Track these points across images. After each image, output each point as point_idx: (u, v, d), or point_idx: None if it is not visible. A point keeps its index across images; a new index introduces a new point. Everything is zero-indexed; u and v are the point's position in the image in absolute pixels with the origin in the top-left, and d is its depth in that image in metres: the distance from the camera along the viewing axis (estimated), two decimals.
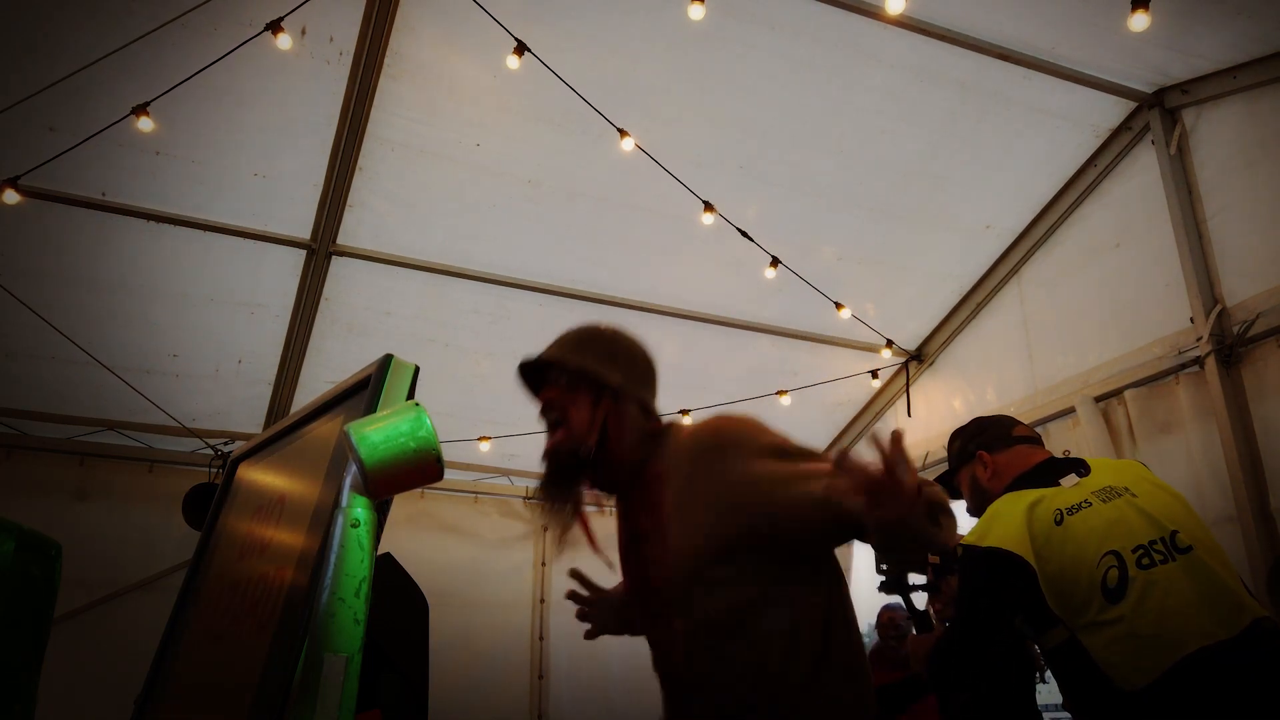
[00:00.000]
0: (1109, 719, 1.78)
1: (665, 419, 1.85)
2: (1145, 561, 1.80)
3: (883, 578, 2.52)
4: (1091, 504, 1.89)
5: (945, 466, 4.59)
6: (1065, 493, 1.94)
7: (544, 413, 1.81)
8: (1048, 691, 3.30)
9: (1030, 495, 1.94)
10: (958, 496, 2.41)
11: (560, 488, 1.75)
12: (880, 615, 4.73)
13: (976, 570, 1.91)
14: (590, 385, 1.75)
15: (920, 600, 2.47)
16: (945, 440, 4.50)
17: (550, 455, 1.76)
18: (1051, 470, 2.07)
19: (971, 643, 1.92)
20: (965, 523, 2.32)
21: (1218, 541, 1.93)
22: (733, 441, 1.59)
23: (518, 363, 1.94)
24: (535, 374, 1.87)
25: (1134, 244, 3.67)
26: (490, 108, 3.41)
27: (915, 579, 2.51)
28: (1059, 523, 1.86)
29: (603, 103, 3.25)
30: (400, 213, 3.75)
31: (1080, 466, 2.03)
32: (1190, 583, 1.78)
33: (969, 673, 1.96)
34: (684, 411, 4.73)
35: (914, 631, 2.42)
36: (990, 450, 2.21)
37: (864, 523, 1.38)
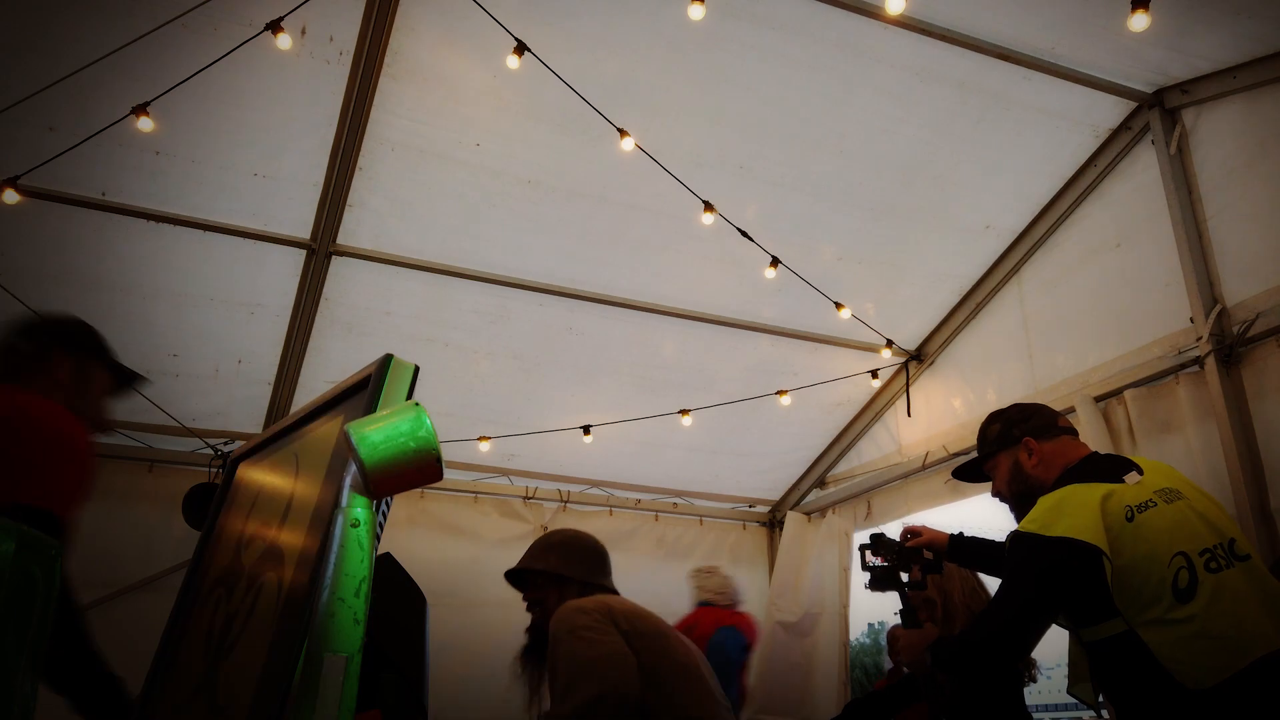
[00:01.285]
0: (1168, 715, 1.81)
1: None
2: (1212, 565, 1.84)
3: (869, 574, 2.52)
4: (1156, 504, 1.93)
5: (945, 465, 4.63)
6: (1131, 489, 1.97)
7: (530, 608, 2.63)
8: (1043, 691, 3.30)
9: (1101, 488, 1.95)
10: (979, 479, 2.41)
11: (537, 655, 2.57)
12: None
13: (1040, 558, 1.92)
14: (556, 581, 2.55)
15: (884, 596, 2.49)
16: (945, 441, 4.54)
17: (532, 629, 2.60)
18: (1100, 465, 2.10)
19: (1024, 630, 1.94)
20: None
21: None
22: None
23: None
24: (518, 577, 2.69)
25: (1134, 244, 3.67)
26: (490, 108, 3.41)
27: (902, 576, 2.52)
28: (1130, 519, 1.89)
29: (603, 103, 3.25)
30: (400, 213, 3.75)
31: (1135, 466, 2.06)
32: (1252, 589, 1.84)
33: (1014, 662, 1.98)
34: (684, 411, 4.73)
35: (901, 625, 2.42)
36: (1037, 437, 2.22)
37: None
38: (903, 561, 2.50)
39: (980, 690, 2.73)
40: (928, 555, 2.51)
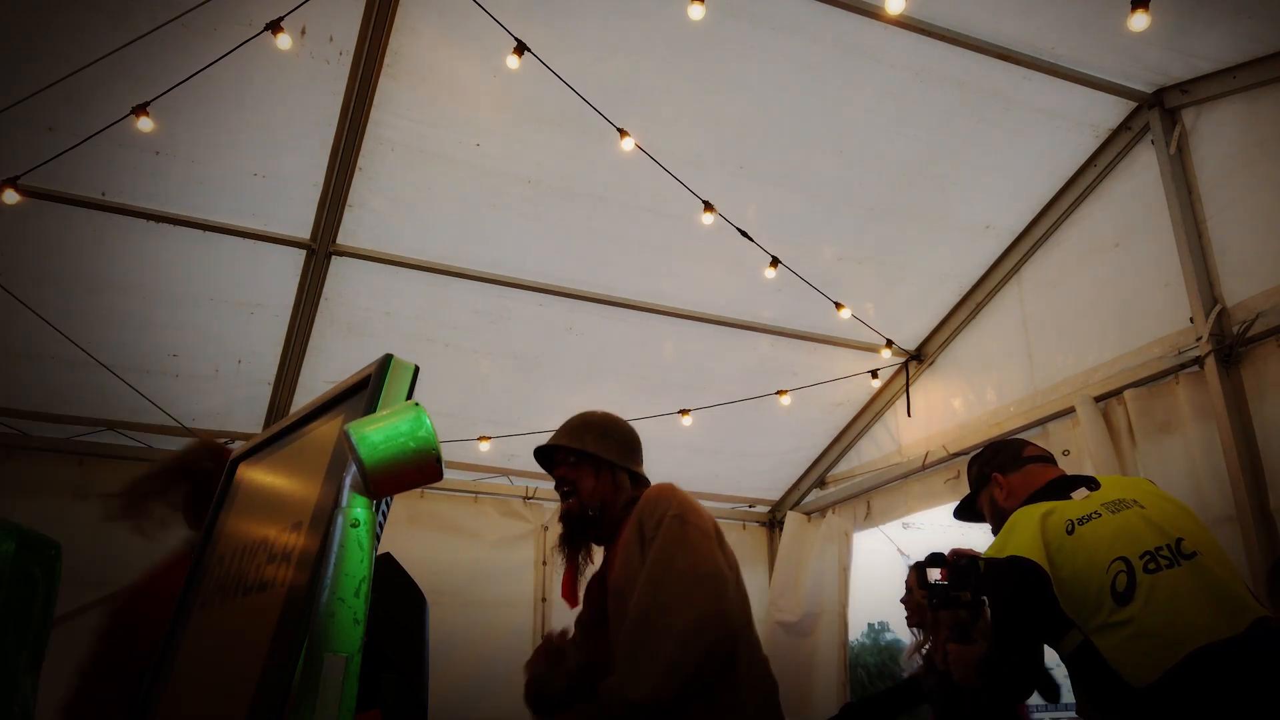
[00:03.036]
0: (1120, 715, 1.87)
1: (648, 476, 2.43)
2: (1151, 566, 1.90)
3: (929, 592, 2.52)
4: (1101, 515, 2.01)
5: (945, 465, 4.63)
6: (1076, 504, 2.06)
7: (558, 486, 2.38)
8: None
9: (1043, 507, 2.06)
10: (981, 519, 2.48)
11: (574, 542, 2.35)
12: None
13: (1002, 579, 2.03)
14: (592, 462, 2.34)
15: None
16: (945, 441, 4.55)
17: (565, 517, 2.36)
18: (1063, 486, 2.18)
19: (1019, 647, 2.01)
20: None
21: (1222, 547, 2.03)
22: (670, 529, 2.10)
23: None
24: (547, 455, 2.45)
25: (1134, 244, 3.67)
26: (490, 108, 3.41)
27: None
28: (1070, 532, 1.98)
29: (603, 103, 3.25)
30: (400, 213, 3.75)
31: (1090, 482, 2.15)
32: (1194, 586, 1.88)
33: (1027, 676, 2.03)
34: (684, 411, 4.73)
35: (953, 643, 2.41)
36: (1003, 472, 2.34)
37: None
38: (963, 581, 2.50)
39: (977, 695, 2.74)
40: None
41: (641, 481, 2.41)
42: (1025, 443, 2.45)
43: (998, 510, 2.32)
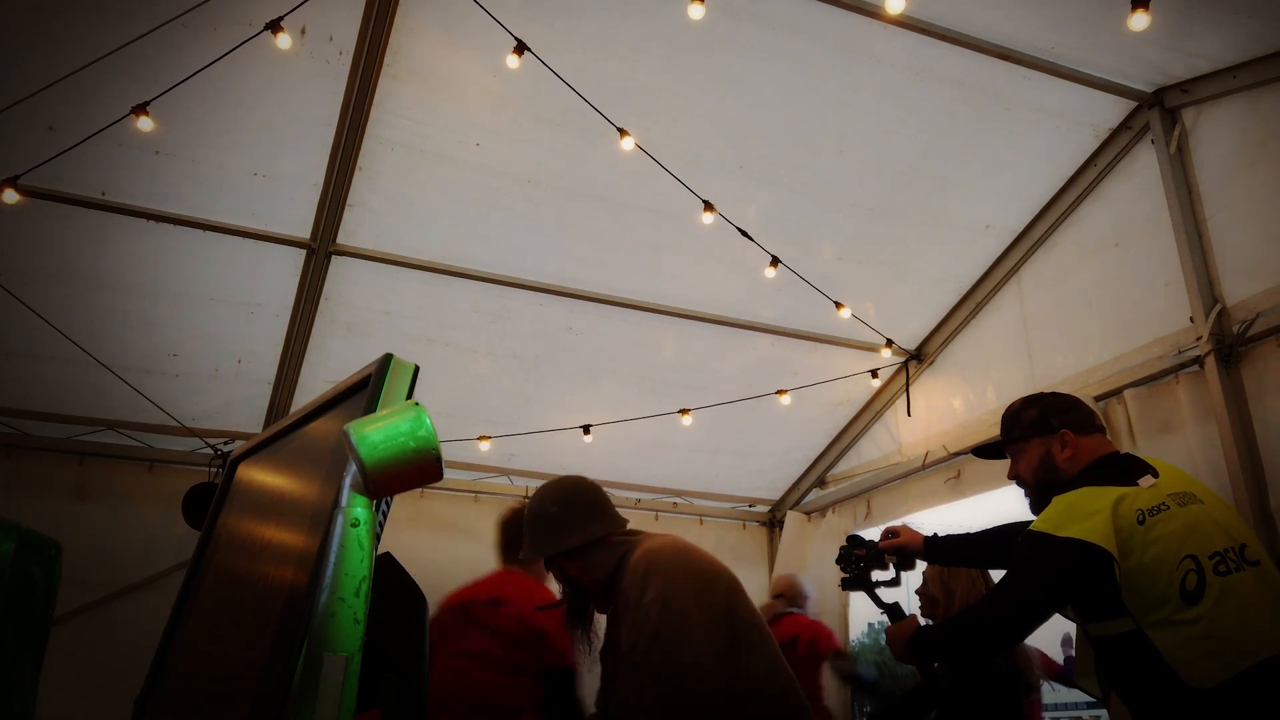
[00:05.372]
0: (1171, 712, 1.83)
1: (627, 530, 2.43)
2: (1222, 568, 1.86)
3: (846, 575, 2.54)
4: (1169, 507, 1.94)
5: (946, 465, 4.61)
6: (1145, 493, 1.98)
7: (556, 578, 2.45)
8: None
9: (1114, 492, 1.97)
10: (993, 456, 2.38)
11: (578, 620, 2.41)
12: None
13: (1049, 558, 1.94)
14: (555, 560, 2.37)
15: (887, 595, 2.49)
16: (945, 440, 4.53)
17: (567, 595, 2.42)
18: (1122, 466, 2.10)
19: (1020, 625, 1.97)
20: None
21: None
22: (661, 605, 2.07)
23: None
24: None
25: (1134, 244, 3.67)
26: (490, 108, 3.41)
27: (878, 575, 2.55)
28: (1141, 522, 1.91)
29: (603, 103, 3.25)
30: (400, 213, 3.75)
31: (1151, 469, 2.07)
32: (1262, 593, 1.86)
33: (1002, 652, 2.00)
34: (684, 411, 4.73)
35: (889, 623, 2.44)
36: (1076, 430, 2.20)
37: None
38: (874, 562, 2.54)
39: (980, 694, 2.74)
40: (890, 560, 2.54)
41: (612, 542, 2.34)
42: (1092, 410, 2.31)
43: (1050, 465, 2.18)
